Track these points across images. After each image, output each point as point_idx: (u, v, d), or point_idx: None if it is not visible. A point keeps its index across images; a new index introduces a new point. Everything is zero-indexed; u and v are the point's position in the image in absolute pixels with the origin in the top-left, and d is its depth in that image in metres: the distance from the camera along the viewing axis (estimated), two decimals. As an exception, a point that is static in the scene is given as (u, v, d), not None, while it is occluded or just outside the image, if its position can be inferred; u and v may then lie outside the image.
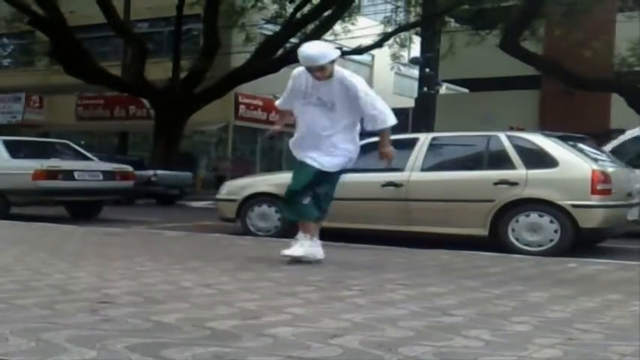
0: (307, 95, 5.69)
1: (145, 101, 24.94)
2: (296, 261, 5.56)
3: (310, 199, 5.75)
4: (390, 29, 23.60)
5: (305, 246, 5.64)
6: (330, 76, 5.55)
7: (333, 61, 5.52)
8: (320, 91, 5.61)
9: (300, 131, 5.86)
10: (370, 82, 32.91)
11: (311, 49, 5.59)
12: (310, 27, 21.90)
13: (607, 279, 5.26)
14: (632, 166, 8.97)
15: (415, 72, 24.64)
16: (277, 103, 6.14)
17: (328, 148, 5.69)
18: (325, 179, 5.80)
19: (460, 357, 2.72)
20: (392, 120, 5.62)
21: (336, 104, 5.59)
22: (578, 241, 7.55)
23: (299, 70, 5.77)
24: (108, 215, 12.68)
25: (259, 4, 22.10)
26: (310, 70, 5.55)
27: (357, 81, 5.61)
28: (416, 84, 22.52)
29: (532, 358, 2.71)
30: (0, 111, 29.37)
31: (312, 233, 5.75)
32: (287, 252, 5.61)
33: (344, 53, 23.78)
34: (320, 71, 5.50)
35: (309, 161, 5.71)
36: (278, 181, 9.38)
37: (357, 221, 8.40)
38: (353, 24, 23.08)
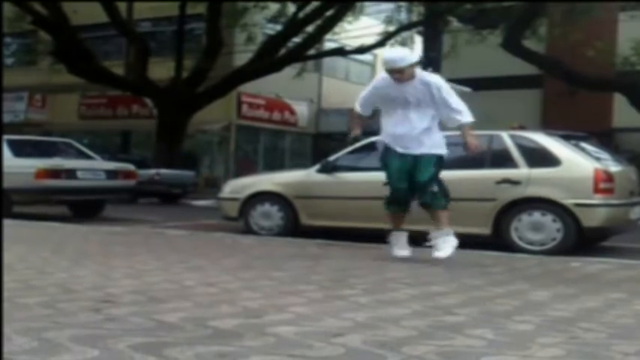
0: (395, 98, 6.11)
1: (148, 100, 24.96)
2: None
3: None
4: (392, 28, 23.60)
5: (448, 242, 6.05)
6: (411, 78, 6.01)
7: (413, 65, 6.01)
8: (405, 92, 6.04)
9: (391, 133, 6.19)
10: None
11: (392, 53, 6.26)
12: (312, 27, 21.93)
13: (610, 278, 5.25)
14: None
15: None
16: (357, 108, 6.49)
17: (422, 141, 6.08)
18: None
19: (463, 356, 2.72)
20: (468, 117, 6.04)
21: (422, 101, 6.03)
22: (581, 240, 7.54)
23: (382, 77, 6.25)
24: (110, 214, 12.69)
25: (261, 4, 22.12)
26: (391, 72, 6.03)
27: (438, 79, 6.10)
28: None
29: (535, 357, 2.71)
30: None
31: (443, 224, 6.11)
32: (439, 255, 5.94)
33: (345, 52, 23.97)
34: (399, 73, 5.98)
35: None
36: (281, 180, 9.40)
37: (360, 220, 8.40)
38: (349, 23, 23.06)
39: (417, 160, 6.07)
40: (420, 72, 6.15)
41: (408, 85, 6.04)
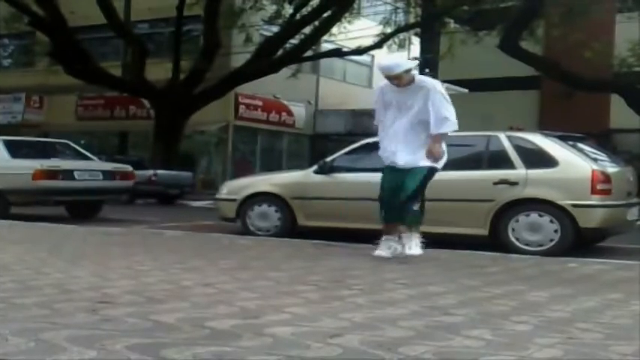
0: (393, 103, 6.23)
1: (145, 101, 24.96)
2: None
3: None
4: (389, 30, 23.63)
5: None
6: (410, 83, 6.12)
7: (408, 71, 6.11)
8: (404, 97, 6.15)
9: (388, 137, 6.32)
10: (370, 82, 32.99)
11: (387, 61, 6.36)
12: (310, 28, 21.95)
13: (607, 278, 5.25)
14: None
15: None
16: (375, 122, 6.56)
17: (417, 148, 6.14)
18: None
19: (460, 357, 2.72)
20: (453, 127, 6.07)
21: (419, 107, 6.08)
22: (579, 240, 7.55)
23: (381, 85, 6.38)
24: (108, 215, 12.68)
25: (258, 5, 22.12)
26: (389, 79, 6.16)
27: (435, 83, 6.19)
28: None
29: (533, 358, 2.70)
30: (0, 111, 29.37)
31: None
32: (412, 252, 6.10)
33: (343, 54, 23.97)
34: (397, 79, 6.10)
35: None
36: (278, 180, 9.39)
37: (358, 221, 8.40)
38: (349, 22, 23.11)
39: (406, 172, 6.15)
40: (419, 76, 6.24)
41: (407, 90, 6.12)
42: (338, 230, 8.53)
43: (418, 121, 6.11)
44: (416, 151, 6.14)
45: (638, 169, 9.46)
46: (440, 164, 6.26)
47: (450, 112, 6.04)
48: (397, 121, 6.21)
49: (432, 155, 6.11)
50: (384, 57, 6.45)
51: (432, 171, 6.19)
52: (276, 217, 9.00)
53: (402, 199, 6.15)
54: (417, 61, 6.49)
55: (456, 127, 6.11)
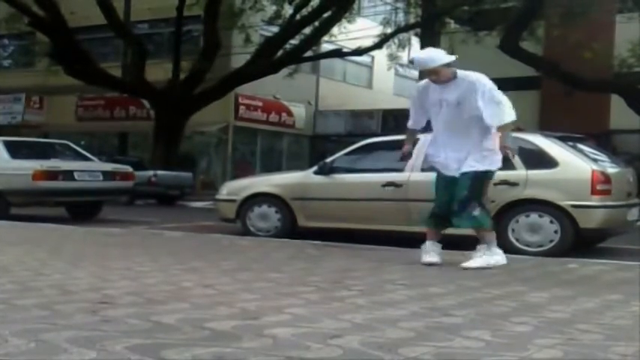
0: (437, 103, 5.83)
1: (145, 102, 24.96)
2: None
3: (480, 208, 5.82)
4: (389, 30, 23.64)
5: (483, 256, 5.81)
6: (451, 78, 5.74)
7: (447, 65, 5.72)
8: (446, 94, 5.76)
9: (436, 141, 5.97)
10: (370, 83, 33.00)
11: (421, 54, 5.96)
12: (310, 28, 21.97)
13: (607, 279, 5.25)
14: None
15: (415, 73, 24.65)
16: (408, 124, 6.18)
17: (469, 150, 5.77)
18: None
19: (460, 357, 2.72)
20: (512, 116, 5.68)
21: (464, 103, 5.70)
22: (579, 241, 7.54)
23: (421, 84, 6.02)
24: (108, 216, 12.68)
25: (257, 5, 22.14)
26: (426, 74, 5.82)
27: (480, 76, 5.79)
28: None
29: (532, 359, 2.70)
30: (0, 112, 29.39)
31: (487, 241, 5.88)
32: (466, 264, 5.73)
33: (343, 54, 24.01)
34: (434, 74, 5.73)
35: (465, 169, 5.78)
36: (278, 181, 9.40)
37: (358, 222, 8.40)
38: (349, 22, 23.14)
39: (457, 177, 5.81)
40: (461, 71, 5.83)
41: (450, 87, 5.76)
42: (338, 231, 8.53)
43: (468, 117, 5.71)
44: (468, 154, 5.75)
45: (638, 169, 9.45)
46: (496, 165, 5.84)
47: (504, 101, 5.66)
48: (444, 122, 5.81)
49: (506, 151, 5.66)
50: (419, 51, 5.69)
51: (484, 174, 5.78)
52: (276, 217, 9.00)
53: (452, 208, 5.82)
54: (456, 56, 5.98)
55: (515, 117, 5.70)
